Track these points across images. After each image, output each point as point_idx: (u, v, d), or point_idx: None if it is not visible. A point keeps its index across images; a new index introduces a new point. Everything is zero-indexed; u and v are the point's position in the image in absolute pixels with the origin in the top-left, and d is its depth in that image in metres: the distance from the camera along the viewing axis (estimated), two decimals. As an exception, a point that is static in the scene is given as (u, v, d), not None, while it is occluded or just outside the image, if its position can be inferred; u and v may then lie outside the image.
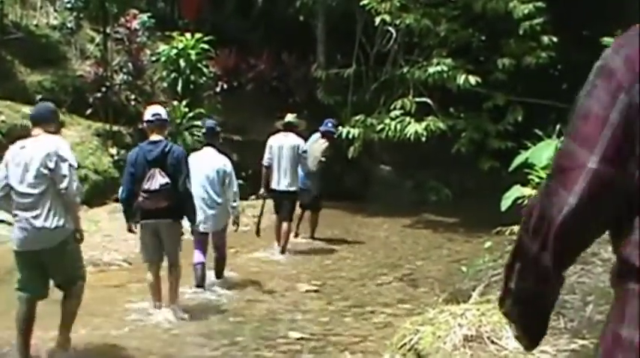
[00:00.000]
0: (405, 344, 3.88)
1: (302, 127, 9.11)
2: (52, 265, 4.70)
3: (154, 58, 12.72)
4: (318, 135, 9.58)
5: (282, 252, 8.58)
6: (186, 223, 5.99)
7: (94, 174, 10.76)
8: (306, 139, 9.08)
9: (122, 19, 12.37)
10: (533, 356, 3.27)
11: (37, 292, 4.71)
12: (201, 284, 6.67)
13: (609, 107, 1.16)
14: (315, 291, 7.03)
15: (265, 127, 10.26)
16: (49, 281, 4.79)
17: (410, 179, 14.54)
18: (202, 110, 11.86)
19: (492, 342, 3.55)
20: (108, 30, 12.17)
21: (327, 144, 9.43)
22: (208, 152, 6.98)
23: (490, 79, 12.20)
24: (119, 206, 6.66)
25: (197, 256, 6.69)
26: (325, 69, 14.13)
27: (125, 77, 12.34)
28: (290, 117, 8.91)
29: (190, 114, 11.61)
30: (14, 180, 4.59)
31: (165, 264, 5.98)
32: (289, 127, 8.76)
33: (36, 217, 4.54)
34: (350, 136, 12.13)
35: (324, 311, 6.32)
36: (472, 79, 11.58)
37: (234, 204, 6.96)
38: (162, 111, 6.04)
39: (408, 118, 11.90)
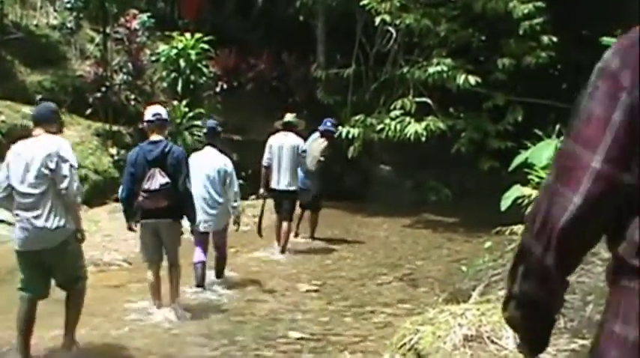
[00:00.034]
0: (405, 343, 3.88)
1: (301, 127, 9.11)
2: (53, 265, 4.71)
3: (153, 58, 12.72)
4: (317, 134, 9.58)
5: (282, 251, 8.58)
6: (186, 223, 6.00)
7: (94, 174, 10.76)
8: (305, 139, 9.09)
9: (122, 19, 12.37)
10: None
11: (39, 292, 4.72)
12: (201, 283, 6.68)
13: (611, 108, 1.17)
14: (315, 291, 7.04)
15: (265, 127, 10.27)
16: (50, 281, 4.79)
17: (410, 179, 14.54)
18: (202, 110, 11.87)
19: (492, 342, 3.56)
20: (108, 30, 12.17)
21: (326, 143, 9.43)
22: (209, 152, 6.99)
23: (490, 79, 12.20)
24: (119, 206, 6.66)
25: (197, 255, 6.70)
26: (325, 69, 14.13)
27: (125, 77, 12.35)
28: (289, 117, 8.91)
29: (190, 114, 11.61)
30: (15, 180, 4.60)
31: (165, 263, 5.99)
32: (289, 127, 8.76)
33: (37, 217, 4.55)
34: (350, 136, 12.13)
35: (324, 311, 6.32)
36: (472, 79, 11.58)
37: (235, 204, 6.97)
38: (162, 111, 6.04)
39: (407, 118, 11.90)
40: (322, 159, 9.29)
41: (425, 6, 12.28)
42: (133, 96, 12.51)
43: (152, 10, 13.69)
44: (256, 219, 8.74)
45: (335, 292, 7.03)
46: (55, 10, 13.06)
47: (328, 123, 9.67)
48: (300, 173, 8.80)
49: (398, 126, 11.83)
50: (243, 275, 7.44)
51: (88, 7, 12.05)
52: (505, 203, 5.98)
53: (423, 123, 11.70)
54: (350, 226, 11.09)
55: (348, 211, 11.98)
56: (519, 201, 6.03)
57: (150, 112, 5.95)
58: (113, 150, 11.45)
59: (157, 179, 5.61)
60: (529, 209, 1.33)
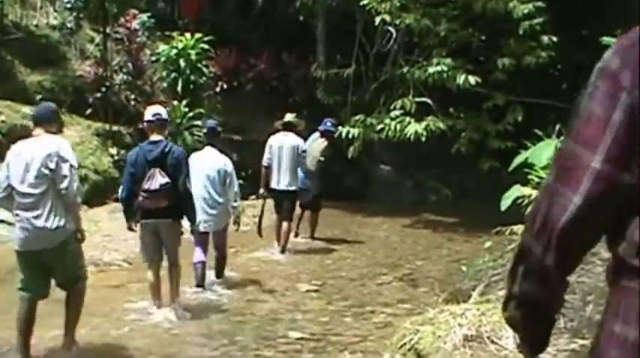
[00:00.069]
0: (405, 343, 3.88)
1: (301, 127, 9.11)
2: (53, 265, 4.71)
3: (153, 58, 12.72)
4: (317, 134, 9.58)
5: (282, 251, 8.58)
6: (186, 223, 6.00)
7: (94, 174, 10.76)
8: (305, 139, 9.09)
9: (122, 19, 12.37)
10: (533, 356, 3.27)
11: (39, 292, 4.73)
12: (201, 283, 6.68)
13: (611, 108, 1.17)
14: (315, 291, 7.04)
15: (265, 127, 10.27)
16: (50, 282, 4.80)
17: (410, 179, 14.54)
18: (202, 110, 11.87)
19: (492, 342, 3.55)
20: (108, 30, 12.17)
21: (326, 143, 9.43)
22: (209, 152, 6.99)
23: (490, 79, 12.20)
24: (119, 206, 6.67)
25: (197, 255, 6.70)
26: (325, 69, 14.13)
27: (125, 77, 12.35)
28: (289, 117, 8.92)
29: (190, 114, 11.61)
30: (15, 180, 4.60)
31: (165, 263, 6.00)
32: (289, 127, 8.77)
33: (37, 217, 4.55)
34: (350, 136, 12.13)
35: (324, 311, 6.32)
36: (472, 79, 11.58)
37: (235, 204, 6.97)
38: (162, 111, 6.05)
39: (407, 118, 11.90)
40: (322, 159, 9.29)
41: (425, 6, 12.28)
42: (133, 97, 12.51)
43: (152, 10, 13.69)
44: (256, 219, 8.74)
45: (335, 292, 7.03)
46: (55, 10, 13.07)
47: (328, 123, 9.66)
48: (300, 173, 8.81)
49: (398, 126, 11.82)
50: (243, 276, 7.44)
51: (88, 7, 12.05)
52: (505, 203, 5.98)
53: (423, 123, 11.70)
54: (350, 226, 11.09)
55: (348, 211, 11.98)
56: (519, 201, 6.03)
57: (150, 112, 5.95)
58: (113, 150, 11.46)
59: (157, 179, 5.61)
60: (529, 209, 1.33)
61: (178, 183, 5.70)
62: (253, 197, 9.88)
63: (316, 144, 9.36)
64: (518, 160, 6.09)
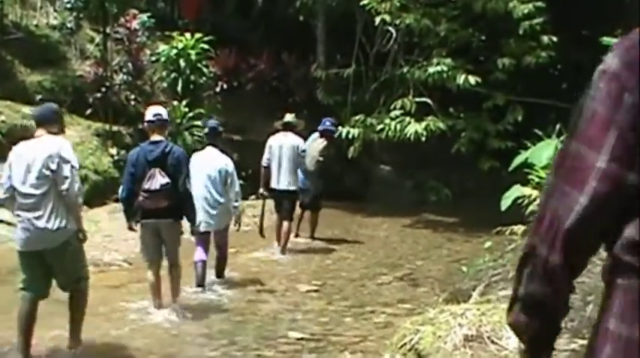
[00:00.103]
0: (405, 343, 3.88)
1: (301, 127, 9.12)
2: (54, 265, 4.72)
3: (153, 58, 12.71)
4: (316, 134, 9.58)
5: (283, 251, 8.58)
6: (186, 223, 6.01)
7: (94, 174, 10.75)
8: (305, 139, 9.09)
9: (122, 19, 12.36)
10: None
11: (40, 292, 4.74)
12: (201, 283, 6.68)
13: (614, 108, 1.19)
14: (316, 291, 7.04)
15: (265, 127, 10.27)
16: (51, 282, 4.81)
17: (410, 179, 14.54)
18: (202, 110, 11.87)
19: (493, 342, 3.55)
20: (108, 30, 12.16)
21: (325, 143, 9.42)
22: (211, 152, 7.01)
23: (490, 79, 12.20)
24: (119, 206, 6.67)
25: (198, 254, 6.73)
26: (325, 69, 14.12)
27: (125, 77, 12.34)
28: (289, 117, 8.92)
29: (190, 114, 11.61)
30: (17, 180, 4.62)
31: (165, 263, 6.01)
32: (288, 127, 8.77)
33: (38, 218, 4.56)
34: (350, 136, 12.12)
35: (324, 311, 6.32)
36: (472, 79, 11.57)
37: (236, 204, 6.99)
38: (163, 111, 6.06)
39: (407, 118, 11.89)
40: (321, 159, 9.28)
41: (425, 6, 12.27)
42: (133, 97, 12.50)
43: (152, 10, 13.68)
44: (256, 219, 8.75)
45: (335, 292, 7.03)
46: (55, 10, 13.06)
47: (327, 123, 9.66)
48: (299, 173, 8.81)
49: (398, 126, 11.82)
50: (244, 276, 7.44)
51: (88, 7, 12.04)
52: (505, 203, 5.98)
53: (423, 123, 11.69)
54: (350, 226, 11.09)
55: (348, 211, 11.98)
56: (519, 201, 6.03)
57: (150, 113, 5.95)
58: (113, 151, 11.45)
59: (158, 179, 5.62)
60: (534, 211, 1.34)
61: (178, 183, 5.71)
62: (253, 197, 9.89)
63: (316, 144, 9.35)
64: (518, 160, 6.09)
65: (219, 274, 7.13)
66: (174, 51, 12.03)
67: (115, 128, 11.77)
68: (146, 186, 5.62)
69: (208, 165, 6.83)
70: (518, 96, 12.63)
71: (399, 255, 9.04)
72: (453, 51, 12.42)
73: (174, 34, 12.48)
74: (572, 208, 1.21)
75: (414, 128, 11.63)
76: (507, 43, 12.19)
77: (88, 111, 11.79)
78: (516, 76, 12.51)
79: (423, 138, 11.61)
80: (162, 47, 12.47)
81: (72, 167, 4.63)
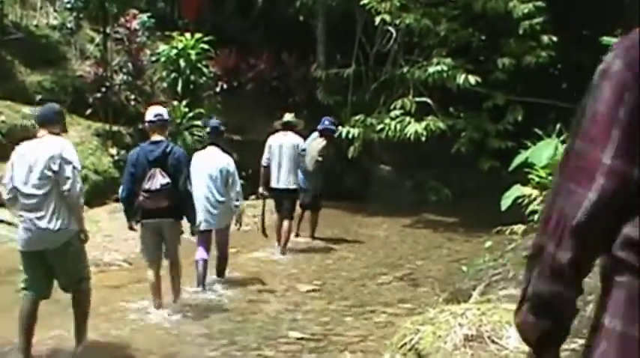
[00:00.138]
0: (405, 343, 3.88)
1: (300, 127, 9.13)
2: (55, 265, 4.73)
3: (153, 58, 12.71)
4: (316, 134, 9.58)
5: (283, 251, 8.58)
6: (186, 223, 6.02)
7: (94, 174, 10.75)
8: (305, 139, 9.09)
9: (122, 19, 12.36)
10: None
11: (41, 292, 4.75)
12: (202, 281, 6.70)
13: (615, 106, 1.21)
14: (316, 291, 7.04)
15: (265, 127, 10.27)
16: (52, 282, 4.82)
17: (410, 179, 14.54)
18: (202, 110, 11.87)
19: (493, 342, 3.55)
20: (108, 30, 12.16)
21: (324, 143, 9.42)
22: (212, 151, 7.02)
23: (490, 79, 12.19)
24: (119, 206, 6.68)
25: (200, 253, 6.75)
26: (325, 69, 14.12)
27: (125, 77, 12.34)
28: (288, 117, 8.92)
29: (190, 115, 11.61)
30: (19, 181, 4.64)
31: (165, 263, 6.02)
32: (288, 126, 8.78)
33: (40, 218, 4.58)
34: (350, 136, 12.12)
35: (325, 310, 6.32)
36: (472, 79, 11.57)
37: (237, 203, 7.01)
38: (164, 111, 6.09)
39: (407, 118, 11.89)
40: (320, 159, 9.27)
41: (425, 6, 12.27)
42: (133, 97, 12.50)
43: (152, 10, 13.67)
44: (256, 219, 8.76)
45: (335, 292, 7.03)
46: (55, 11, 13.05)
47: (326, 122, 9.65)
48: (299, 173, 8.81)
49: (398, 126, 11.81)
50: (244, 275, 7.44)
51: (88, 7, 12.04)
52: (505, 203, 5.98)
53: (423, 123, 11.69)
54: (350, 226, 11.09)
55: (348, 211, 11.98)
56: (519, 200, 6.03)
57: (151, 113, 5.97)
58: (113, 151, 11.45)
59: (158, 179, 5.63)
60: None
61: (179, 183, 5.73)
62: (253, 197, 9.89)
63: (315, 144, 9.35)
64: (518, 160, 6.09)
65: (220, 274, 7.13)
66: (174, 51, 12.02)
67: (115, 128, 11.77)
68: (146, 185, 5.63)
69: (210, 164, 6.85)
70: (518, 96, 12.62)
71: (399, 255, 9.04)
72: (453, 51, 12.42)
73: (174, 34, 12.47)
74: (580, 204, 1.22)
75: (414, 128, 11.62)
76: (507, 43, 12.19)
77: (88, 112, 11.79)
78: (516, 75, 12.51)
79: (423, 138, 11.60)
80: (162, 47, 12.46)
81: (74, 168, 4.65)
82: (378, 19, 12.09)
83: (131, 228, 6.02)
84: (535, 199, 5.92)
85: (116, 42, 12.39)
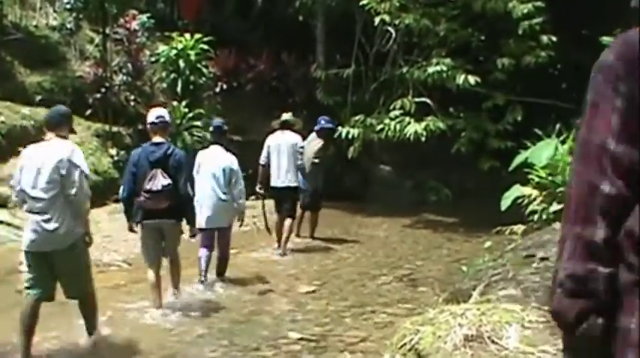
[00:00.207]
0: (405, 344, 3.87)
1: (298, 126, 9.16)
2: (59, 266, 4.76)
3: (153, 59, 12.72)
4: (313, 135, 9.59)
5: (283, 251, 8.58)
6: (185, 224, 6.04)
7: (93, 175, 10.69)
8: (304, 138, 9.09)
9: (121, 20, 12.37)
10: (533, 356, 3.27)
11: (44, 293, 4.77)
12: (203, 276, 6.76)
13: (612, 97, 1.31)
14: (315, 291, 7.04)
15: (265, 127, 10.29)
16: (56, 283, 4.83)
17: (410, 179, 14.54)
18: (202, 111, 11.87)
19: (493, 342, 3.55)
20: (107, 31, 12.17)
21: (320, 144, 9.42)
22: (216, 150, 7.06)
23: (489, 79, 12.19)
24: (119, 206, 6.68)
25: (203, 250, 6.84)
26: (325, 69, 14.12)
27: (124, 78, 12.35)
28: (286, 116, 8.93)
29: (190, 115, 11.62)
30: (27, 184, 4.67)
31: (165, 263, 6.04)
32: (286, 125, 8.78)
33: (47, 221, 4.62)
34: (350, 136, 12.13)
35: (325, 311, 6.32)
36: (471, 79, 11.57)
37: (240, 202, 7.03)
38: (165, 113, 6.13)
39: (407, 118, 11.89)
40: (316, 161, 9.28)
41: (424, 6, 12.28)
42: (132, 97, 12.51)
43: (152, 10, 13.69)
44: (256, 220, 8.75)
45: (335, 292, 7.03)
46: (55, 11, 13.07)
47: (322, 121, 9.65)
48: (299, 174, 8.82)
49: (398, 126, 11.82)
50: (244, 276, 7.44)
51: (87, 7, 12.05)
52: (505, 203, 5.99)
53: (423, 123, 11.69)
54: (350, 226, 11.09)
55: (348, 211, 11.98)
56: (519, 200, 6.04)
57: (153, 115, 5.99)
58: (113, 151, 11.46)
59: (160, 180, 5.66)
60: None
61: (179, 184, 5.75)
62: (253, 197, 9.88)
63: (312, 146, 9.35)
64: (518, 160, 6.09)
65: (220, 274, 7.14)
66: (174, 51, 12.03)
67: (114, 129, 11.77)
68: (148, 186, 5.65)
69: (213, 163, 6.90)
70: (518, 96, 12.63)
71: (399, 255, 9.04)
72: (453, 51, 12.42)
73: (174, 34, 12.48)
74: (596, 187, 1.29)
75: (413, 128, 11.62)
76: (507, 43, 12.19)
77: (88, 112, 11.79)
78: (516, 75, 12.51)
79: (423, 138, 11.61)
80: (161, 48, 12.47)
81: (81, 172, 4.69)
82: (377, 20, 12.09)
83: (131, 230, 6.03)
84: (535, 199, 5.93)
85: (116, 42, 12.40)
